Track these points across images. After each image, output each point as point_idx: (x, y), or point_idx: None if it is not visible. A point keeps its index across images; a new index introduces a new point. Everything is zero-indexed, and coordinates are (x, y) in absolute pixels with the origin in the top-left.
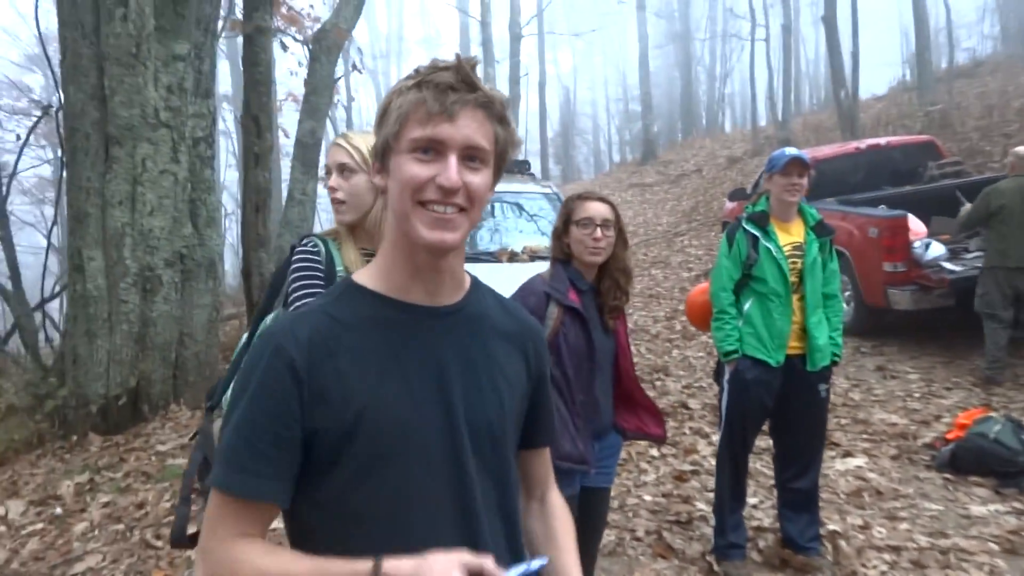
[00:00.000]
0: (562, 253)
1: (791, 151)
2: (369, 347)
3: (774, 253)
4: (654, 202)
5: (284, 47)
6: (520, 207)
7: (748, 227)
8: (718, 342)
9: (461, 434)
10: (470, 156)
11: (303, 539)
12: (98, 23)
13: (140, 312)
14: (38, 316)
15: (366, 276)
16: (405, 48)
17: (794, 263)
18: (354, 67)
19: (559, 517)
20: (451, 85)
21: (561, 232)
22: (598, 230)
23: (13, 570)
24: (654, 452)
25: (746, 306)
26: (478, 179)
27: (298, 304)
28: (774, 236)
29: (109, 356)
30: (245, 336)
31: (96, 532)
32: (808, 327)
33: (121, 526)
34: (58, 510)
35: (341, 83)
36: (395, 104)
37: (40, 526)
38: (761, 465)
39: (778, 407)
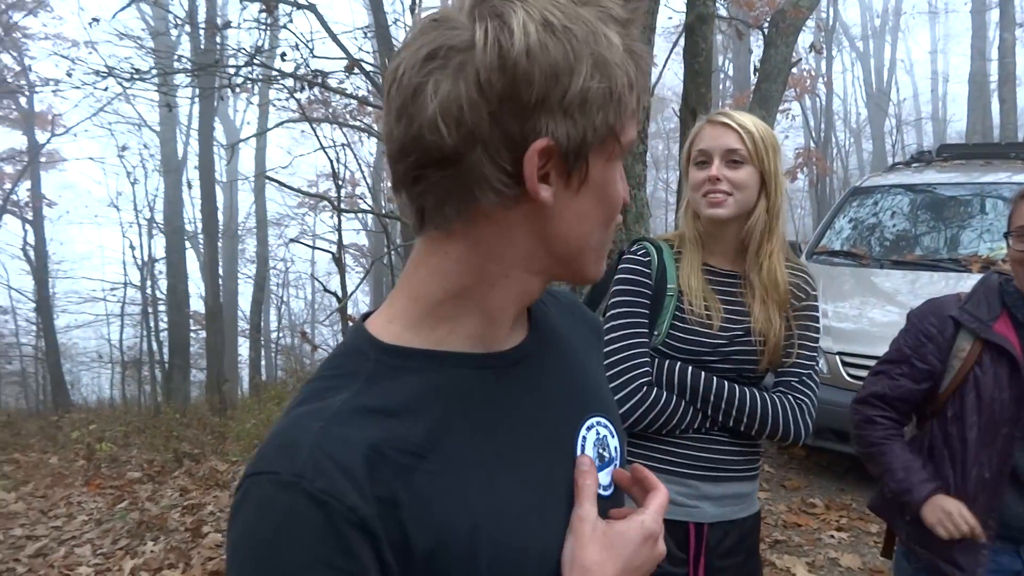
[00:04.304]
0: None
1: None
2: (450, 436)
3: None
4: None
5: (740, 34)
6: None
7: None
8: None
9: None
10: None
11: None
12: None
13: None
14: None
15: (391, 329)
16: (904, 23)
17: None
18: (812, 48)
19: None
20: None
21: (1006, 241)
22: None
23: None
24: None
25: None
26: None
27: (610, 327)
28: None
29: None
30: None
31: None
32: None
33: None
34: None
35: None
36: (624, 76)
37: None
38: None
39: None
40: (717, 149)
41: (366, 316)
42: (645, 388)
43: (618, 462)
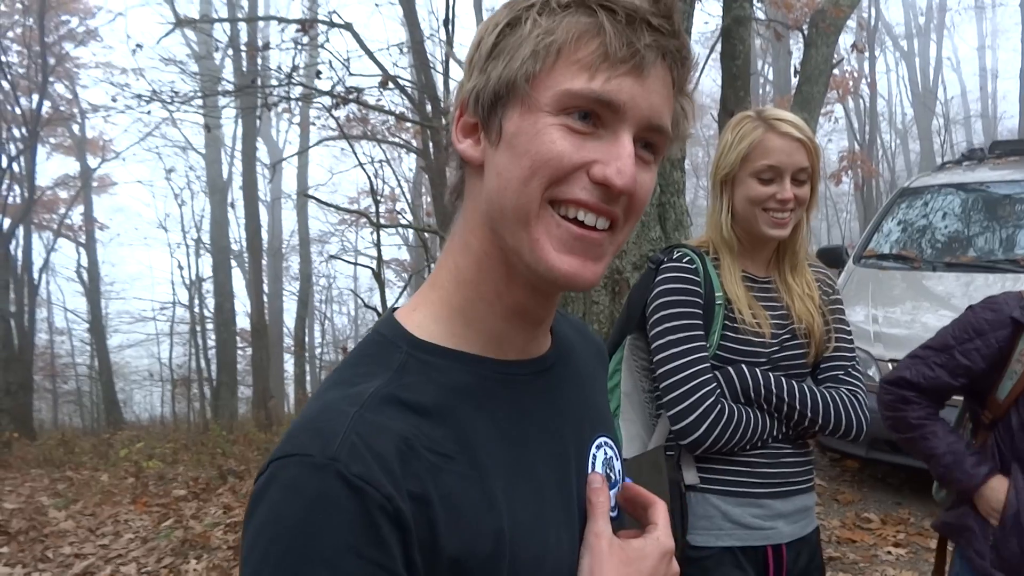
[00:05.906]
0: None
1: None
2: (477, 440)
3: None
4: None
5: (779, 36)
6: None
7: None
8: None
9: None
10: (647, 141)
11: None
12: None
13: (609, 313)
14: None
15: (421, 325)
16: (950, 19)
17: None
18: (854, 47)
19: None
20: (647, 17)
21: None
22: None
23: None
24: None
25: None
26: (648, 179)
27: (666, 341)
28: None
29: None
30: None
31: None
32: None
33: None
34: None
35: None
36: (531, 27)
37: None
38: None
39: None
40: (790, 167)
41: (394, 308)
42: (719, 406)
43: (620, 485)
